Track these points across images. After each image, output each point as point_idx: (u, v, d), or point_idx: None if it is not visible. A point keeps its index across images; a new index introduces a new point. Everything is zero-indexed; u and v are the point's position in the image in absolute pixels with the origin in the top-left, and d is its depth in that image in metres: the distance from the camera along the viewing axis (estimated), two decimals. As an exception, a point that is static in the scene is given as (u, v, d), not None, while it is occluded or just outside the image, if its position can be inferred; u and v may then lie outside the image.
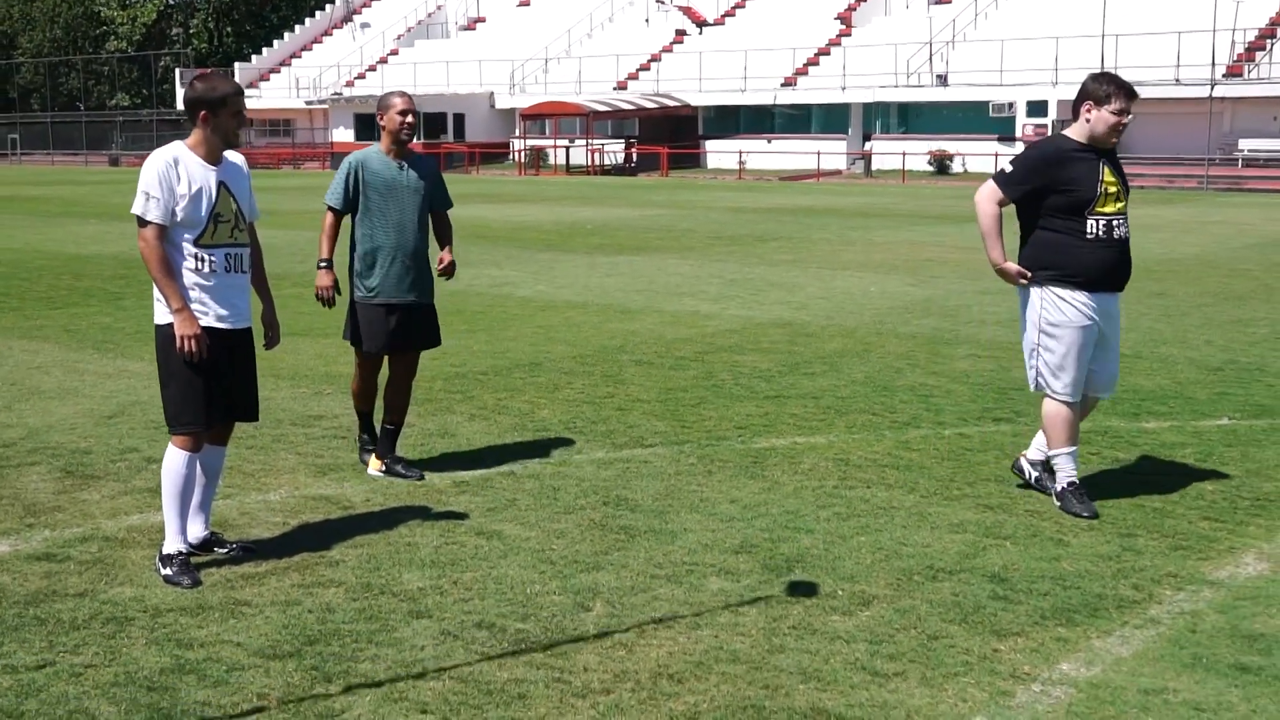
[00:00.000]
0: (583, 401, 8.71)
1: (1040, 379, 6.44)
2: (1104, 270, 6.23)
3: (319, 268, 6.75)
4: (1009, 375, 9.67)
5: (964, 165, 49.11)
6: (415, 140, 6.99)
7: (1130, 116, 6.15)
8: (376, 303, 6.69)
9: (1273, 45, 45.68)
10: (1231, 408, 8.64)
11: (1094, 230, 6.19)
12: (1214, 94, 43.21)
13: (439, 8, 75.86)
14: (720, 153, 55.20)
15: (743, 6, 64.01)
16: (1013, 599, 5.06)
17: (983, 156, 47.84)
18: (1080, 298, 6.26)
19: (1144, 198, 37.48)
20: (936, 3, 57.15)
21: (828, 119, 54.07)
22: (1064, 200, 6.21)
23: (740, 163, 52.29)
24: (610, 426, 7.98)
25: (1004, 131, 48.62)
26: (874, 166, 51.02)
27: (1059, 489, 6.35)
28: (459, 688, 4.24)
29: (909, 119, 52.66)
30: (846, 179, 49.55)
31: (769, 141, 54.48)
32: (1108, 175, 6.22)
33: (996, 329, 11.98)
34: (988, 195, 6.38)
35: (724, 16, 63.60)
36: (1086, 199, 6.17)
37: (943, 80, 51.42)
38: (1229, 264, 17.83)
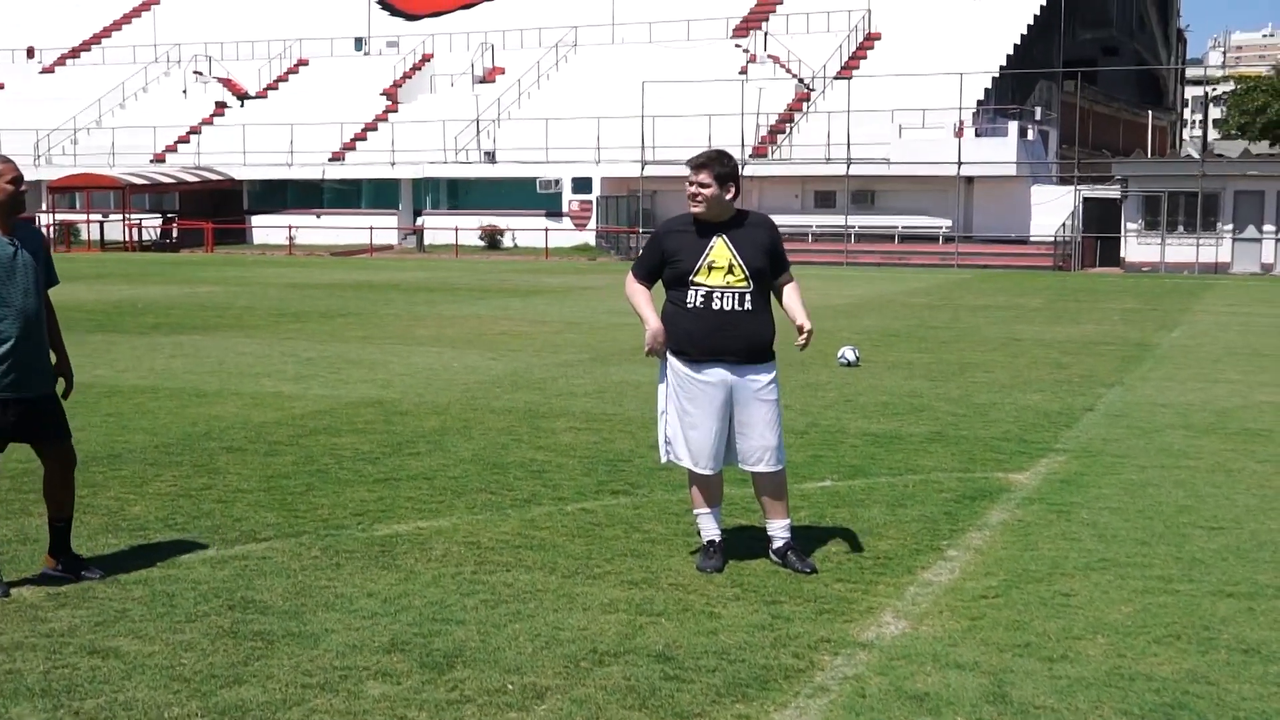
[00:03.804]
0: (178, 495, 8.02)
1: (668, 447, 6.57)
2: (698, 339, 6.40)
3: None
4: (614, 447, 9.71)
5: (514, 240, 50.01)
6: None
7: (697, 186, 6.40)
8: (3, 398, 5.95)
9: (791, 129, 49.34)
10: (828, 469, 9.01)
11: (693, 300, 6.40)
12: (744, 173, 46.08)
13: (-52, 72, 70.17)
14: (268, 228, 53.65)
15: (286, 80, 62.81)
16: (684, 678, 4.95)
17: (532, 231, 48.91)
18: (681, 366, 6.47)
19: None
20: (481, 82, 58.15)
21: (378, 194, 53.75)
22: (672, 272, 6.50)
23: (290, 238, 51.04)
24: (215, 521, 7.37)
25: (551, 207, 49.91)
26: (426, 241, 51.10)
27: (701, 545, 6.63)
28: (108, 839, 3.67)
29: (459, 194, 53.13)
30: (399, 254, 49.31)
31: (319, 216, 53.54)
32: (719, 249, 6.39)
33: (587, 400, 12.06)
34: (630, 279, 6.68)
35: (266, 90, 62.14)
36: (686, 270, 6.41)
37: (490, 157, 52.29)
38: (784, 332, 18.81)
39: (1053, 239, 42.66)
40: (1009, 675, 5.01)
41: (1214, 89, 78.99)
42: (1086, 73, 56.57)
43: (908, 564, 6.61)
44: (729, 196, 6.44)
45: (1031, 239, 43.74)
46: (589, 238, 48.86)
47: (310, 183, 54.57)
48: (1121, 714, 4.66)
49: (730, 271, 6.41)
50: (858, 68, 51.73)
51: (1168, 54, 73.15)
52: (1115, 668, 5.11)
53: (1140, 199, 41.28)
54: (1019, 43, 51.33)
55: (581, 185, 49.46)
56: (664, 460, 6.69)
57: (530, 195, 49.96)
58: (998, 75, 49.02)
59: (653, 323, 6.51)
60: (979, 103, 47.02)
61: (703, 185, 6.39)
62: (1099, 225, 42.32)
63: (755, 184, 47.51)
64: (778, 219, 49.00)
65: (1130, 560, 6.68)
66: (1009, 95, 49.68)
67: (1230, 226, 40.31)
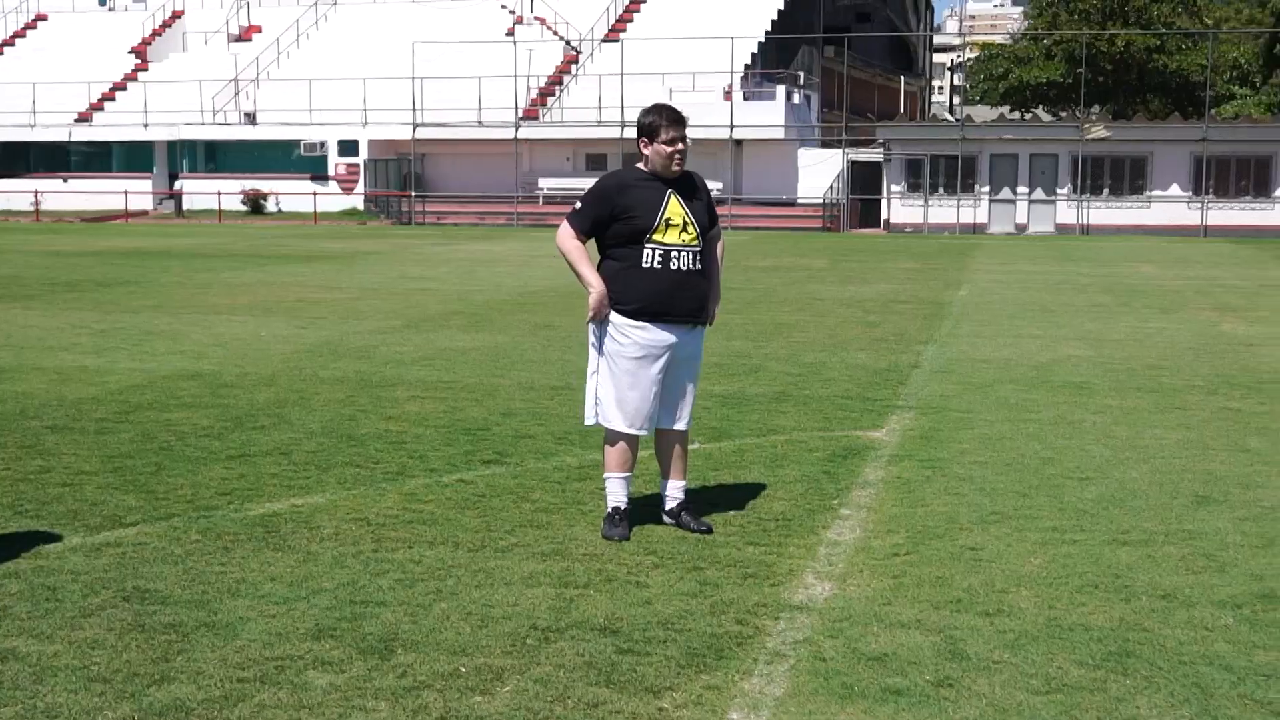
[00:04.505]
0: (15, 479, 7.41)
1: (598, 408, 6.36)
2: (657, 299, 6.21)
3: None
4: (467, 415, 9.46)
5: (279, 204, 48.50)
6: None
7: (684, 144, 6.17)
8: None
9: (561, 92, 49.17)
10: (690, 432, 8.93)
11: (649, 259, 6.18)
12: (515, 136, 45.71)
13: None
14: (9, 192, 50.67)
15: (23, 36, 59.36)
16: (638, 651, 4.80)
17: (298, 195, 47.54)
18: (634, 327, 6.24)
19: (463, 234, 39.04)
20: (237, 40, 56.09)
21: (130, 157, 51.40)
22: (624, 228, 6.21)
23: (35, 203, 48.32)
24: (68, 505, 6.83)
25: (316, 170, 48.64)
26: (185, 206, 49.12)
27: (607, 512, 6.42)
28: None
29: (218, 157, 51.24)
30: (156, 219, 47.26)
31: (65, 180, 50.85)
32: (674, 206, 6.21)
33: (418, 369, 11.73)
34: (566, 234, 6.31)
35: (2, 45, 58.62)
36: (643, 227, 6.16)
37: (250, 118, 50.56)
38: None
39: (821, 201, 43.72)
40: (955, 632, 5.03)
41: (957, 56, 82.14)
42: (844, 38, 58.04)
43: (808, 524, 6.60)
44: None
45: (800, 201, 44.74)
46: (357, 202, 47.80)
47: (55, 145, 51.79)
48: (1077, 664, 4.72)
49: (685, 229, 6.24)
50: (625, 30, 51.87)
51: (916, 21, 75.69)
52: (1051, 619, 5.18)
53: (903, 162, 42.65)
54: (783, 8, 52.29)
55: (348, 148, 48.32)
56: (589, 422, 6.48)
57: (294, 158, 48.55)
58: (763, 40, 49.85)
59: (598, 286, 6.22)
60: (746, 67, 47.76)
61: (685, 142, 6.18)
62: (864, 187, 43.58)
63: (526, 147, 47.26)
64: (548, 182, 48.93)
65: (1018, 513, 6.81)
66: (774, 60, 50.61)
67: (987, 189, 42.03)
